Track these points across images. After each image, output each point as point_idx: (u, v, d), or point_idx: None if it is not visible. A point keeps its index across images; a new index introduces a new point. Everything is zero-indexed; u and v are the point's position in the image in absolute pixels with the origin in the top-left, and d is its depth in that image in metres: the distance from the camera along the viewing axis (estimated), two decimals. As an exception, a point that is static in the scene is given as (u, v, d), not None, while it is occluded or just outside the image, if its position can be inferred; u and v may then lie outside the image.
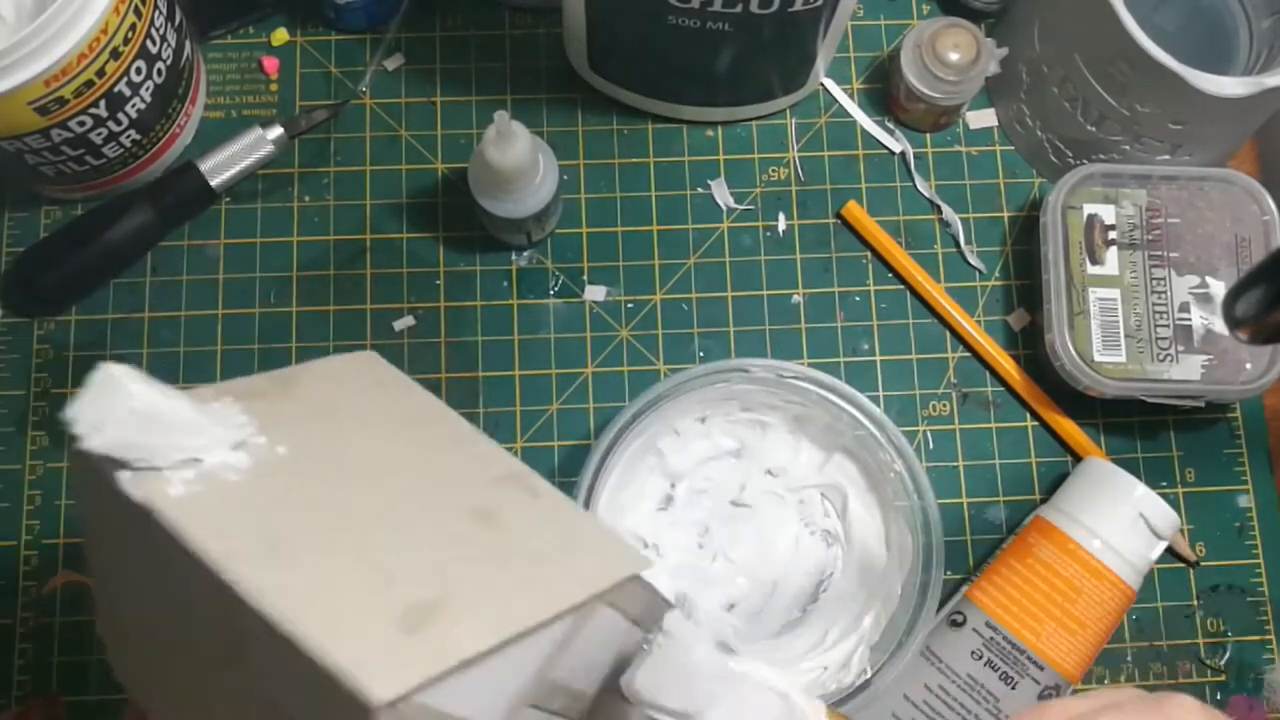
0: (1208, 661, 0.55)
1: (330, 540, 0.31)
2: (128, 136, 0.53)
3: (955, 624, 0.51)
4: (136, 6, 0.49)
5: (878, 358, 0.58)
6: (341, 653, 0.27)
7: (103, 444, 0.29)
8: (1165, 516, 0.52)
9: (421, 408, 0.40)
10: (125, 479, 0.30)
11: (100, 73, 0.49)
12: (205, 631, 0.31)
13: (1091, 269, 0.55)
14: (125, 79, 0.50)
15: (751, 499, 0.53)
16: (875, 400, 0.57)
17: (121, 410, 0.29)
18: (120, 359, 0.56)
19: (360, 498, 0.33)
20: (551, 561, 0.34)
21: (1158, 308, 0.55)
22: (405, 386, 0.40)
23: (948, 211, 0.59)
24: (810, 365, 0.57)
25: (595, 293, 0.58)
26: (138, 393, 0.29)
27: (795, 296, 0.58)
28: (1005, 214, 0.60)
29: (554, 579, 0.33)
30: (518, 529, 0.35)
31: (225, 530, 0.29)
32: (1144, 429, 0.58)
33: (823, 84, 0.61)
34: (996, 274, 0.59)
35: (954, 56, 0.56)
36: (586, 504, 0.48)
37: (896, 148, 0.60)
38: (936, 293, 0.58)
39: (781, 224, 0.59)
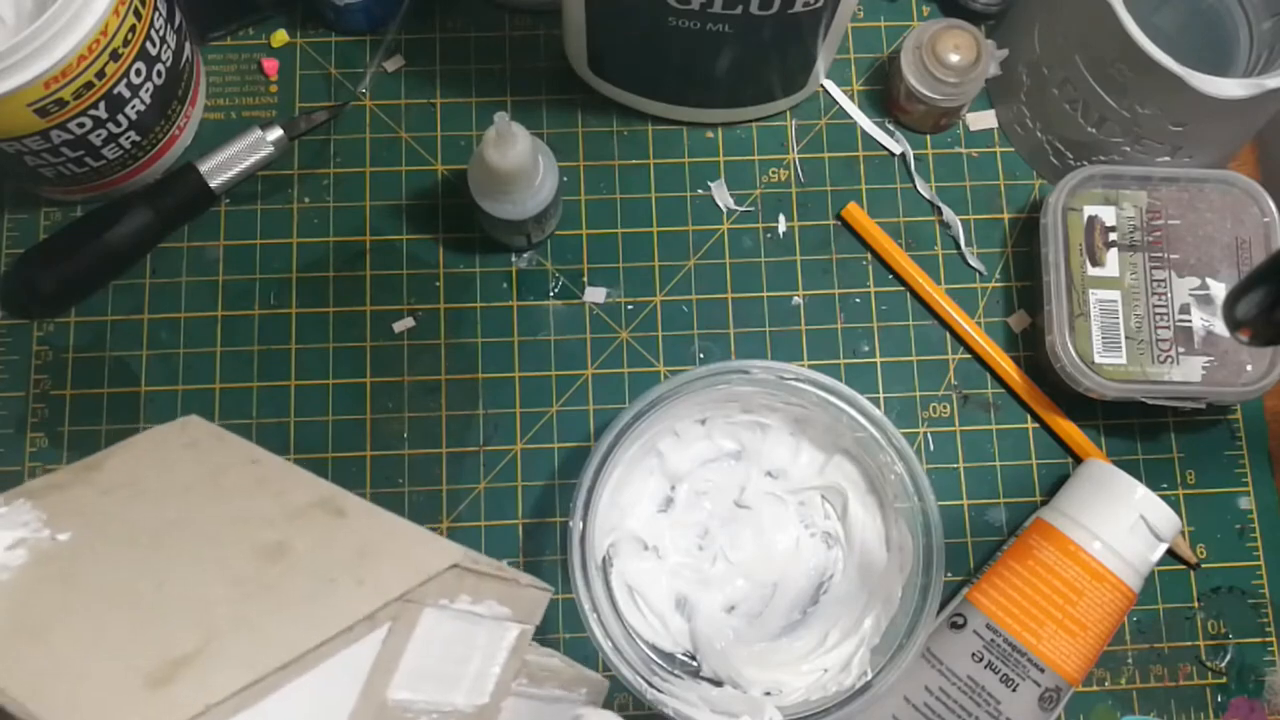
0: (1208, 663, 0.55)
1: (91, 614, 0.31)
2: (127, 138, 0.53)
3: (956, 626, 0.51)
4: (136, 8, 0.49)
5: (878, 359, 0.58)
6: None
7: None
8: (1166, 518, 0.51)
9: (229, 457, 0.40)
10: None
11: (100, 74, 0.49)
12: None
13: (1092, 270, 0.55)
14: (125, 81, 0.50)
15: (751, 501, 0.53)
16: (876, 402, 0.57)
17: None
18: (120, 361, 0.56)
19: (138, 564, 0.33)
20: (342, 580, 0.33)
21: (1158, 309, 0.55)
22: (218, 440, 0.41)
23: (948, 213, 0.59)
24: (810, 367, 0.57)
25: (595, 294, 0.58)
26: None
27: (795, 298, 0.58)
28: (1005, 216, 0.60)
29: (342, 598, 0.32)
30: (309, 556, 0.34)
31: None
32: (1144, 431, 0.58)
33: (823, 85, 0.61)
34: (997, 275, 0.59)
35: (954, 58, 0.56)
36: (586, 506, 0.48)
37: (897, 149, 0.60)
38: (937, 294, 0.58)
39: (782, 225, 0.59)
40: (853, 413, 0.50)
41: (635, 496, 0.53)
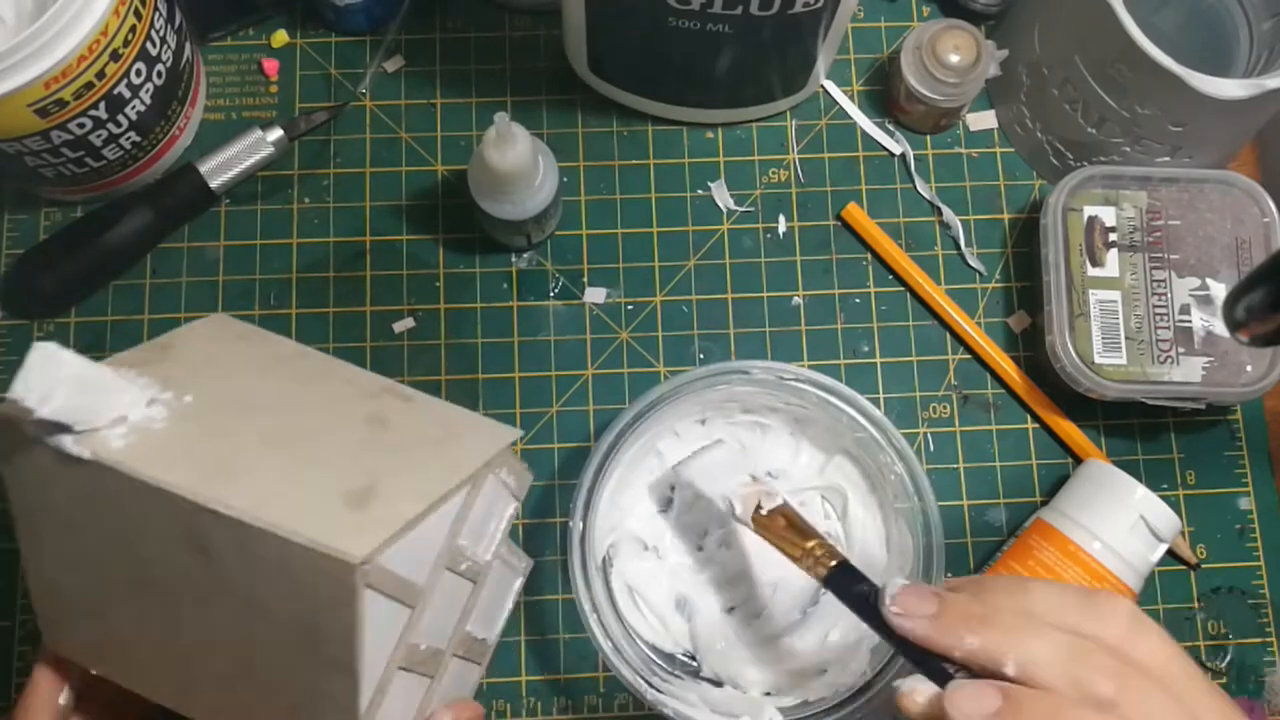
0: (1209, 664, 0.55)
1: (260, 458, 0.36)
2: (127, 138, 0.53)
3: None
4: (136, 8, 0.49)
5: (878, 360, 0.58)
6: (312, 530, 0.32)
7: (52, 411, 0.32)
8: (1166, 519, 0.51)
9: (285, 350, 0.45)
10: (69, 442, 0.34)
11: (100, 75, 0.49)
12: (167, 562, 0.35)
13: (1092, 271, 0.55)
14: (125, 81, 0.50)
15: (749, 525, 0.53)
16: (875, 402, 0.57)
17: (64, 379, 0.32)
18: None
19: (269, 424, 0.38)
20: (441, 445, 0.41)
21: (1158, 310, 0.55)
22: (263, 336, 0.45)
23: (948, 213, 0.59)
24: (811, 367, 0.57)
25: (595, 294, 0.58)
26: (71, 362, 0.33)
27: (795, 298, 0.58)
28: (1005, 216, 0.60)
29: (448, 457, 0.40)
30: (405, 426, 0.41)
31: (174, 466, 0.34)
32: (1144, 431, 0.58)
33: (823, 86, 0.61)
34: (997, 276, 0.59)
35: (954, 58, 0.56)
36: (586, 506, 0.48)
37: (897, 149, 0.60)
38: (937, 294, 0.58)
39: (782, 226, 0.59)
40: (853, 413, 0.50)
41: (635, 497, 0.53)
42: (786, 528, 0.46)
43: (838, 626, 0.51)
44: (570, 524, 0.47)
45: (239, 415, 0.38)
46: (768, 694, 0.50)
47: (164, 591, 0.36)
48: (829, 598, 0.52)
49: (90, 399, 0.34)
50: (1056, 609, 0.34)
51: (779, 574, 0.53)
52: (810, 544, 0.44)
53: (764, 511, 0.47)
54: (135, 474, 0.33)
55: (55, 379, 0.32)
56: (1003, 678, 0.33)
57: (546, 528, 0.55)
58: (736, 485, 0.48)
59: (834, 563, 0.43)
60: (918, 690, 0.34)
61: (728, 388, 0.50)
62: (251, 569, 0.34)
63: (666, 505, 0.53)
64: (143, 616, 0.37)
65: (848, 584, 0.42)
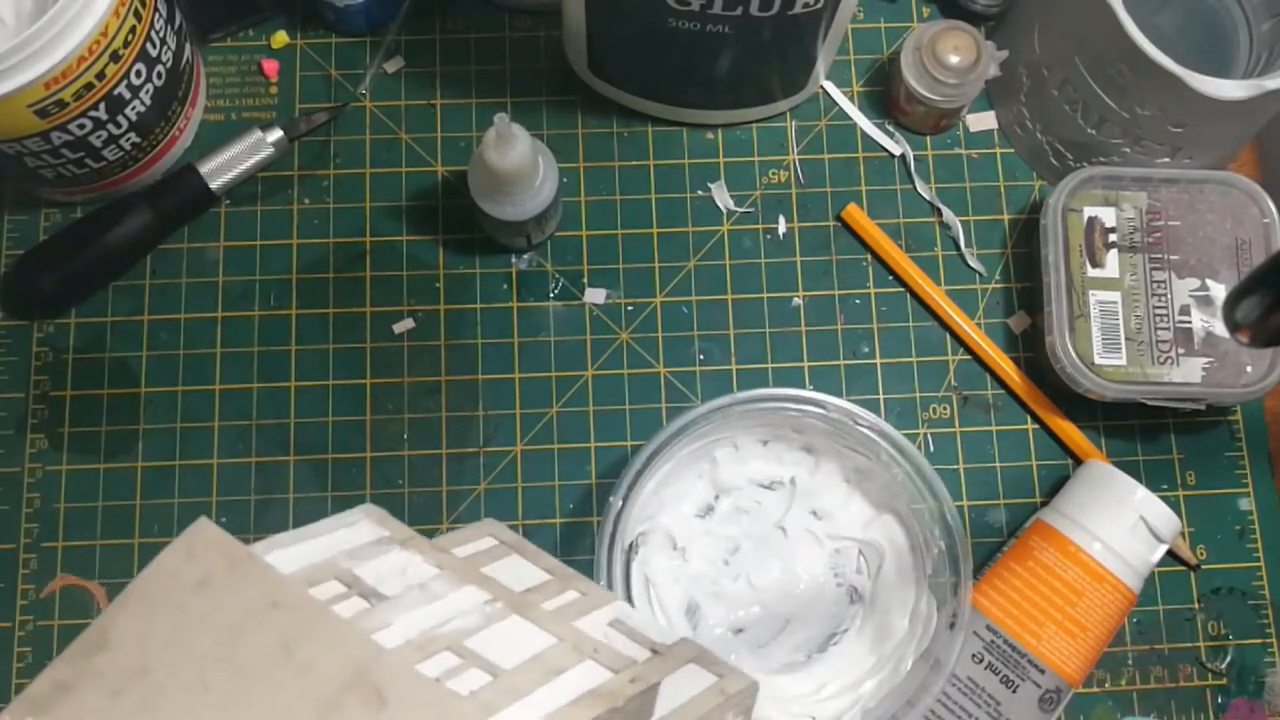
0: (1209, 664, 0.55)
1: None
2: (127, 139, 0.53)
3: (955, 627, 0.51)
4: (136, 9, 0.49)
5: (878, 360, 0.58)
6: None
7: None
8: (1166, 519, 0.51)
9: (246, 601, 0.35)
10: None
11: (100, 75, 0.49)
12: None
13: (1092, 272, 0.55)
14: (125, 82, 0.50)
15: (789, 533, 0.53)
16: (875, 404, 0.57)
17: None
18: (120, 362, 0.56)
19: None
20: None
21: (1158, 310, 0.55)
22: (230, 570, 0.35)
23: (948, 214, 0.59)
24: (811, 368, 0.57)
25: (595, 295, 0.58)
26: None
27: (795, 299, 0.58)
28: (1005, 217, 0.60)
29: None
30: None
31: None
32: (1144, 432, 0.58)
33: (823, 87, 0.61)
34: (997, 276, 0.59)
35: (954, 59, 0.56)
36: (630, 488, 0.47)
37: (896, 150, 0.60)
38: (937, 295, 0.58)
39: (782, 227, 0.59)
40: (917, 481, 0.49)
41: (678, 495, 0.53)
42: None
43: (837, 681, 0.51)
44: (610, 499, 0.47)
45: None
46: None
47: None
48: (837, 650, 0.52)
49: None
50: None
51: (795, 611, 0.52)
52: None
53: None
54: None
55: None
56: None
57: (546, 529, 0.55)
58: None
59: None
60: None
61: (800, 418, 0.50)
62: None
63: (707, 511, 0.53)
64: None
65: None
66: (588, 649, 0.34)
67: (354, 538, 0.37)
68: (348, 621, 0.32)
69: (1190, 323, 0.55)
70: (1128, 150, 0.56)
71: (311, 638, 0.32)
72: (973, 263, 0.59)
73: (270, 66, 0.60)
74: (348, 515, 0.38)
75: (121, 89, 0.50)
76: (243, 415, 0.56)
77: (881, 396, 0.57)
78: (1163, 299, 0.55)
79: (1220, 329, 0.54)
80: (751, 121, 0.60)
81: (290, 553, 0.36)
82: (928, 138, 0.61)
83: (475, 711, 0.30)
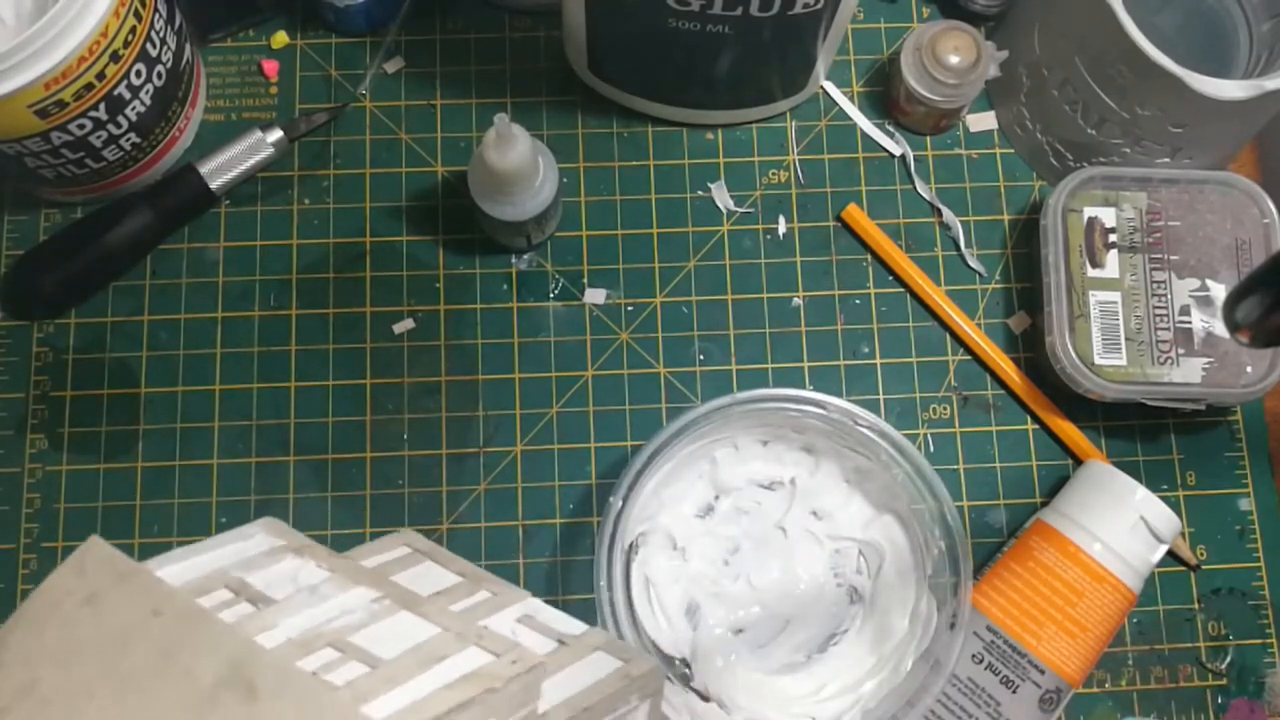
0: (1209, 665, 0.55)
1: None
2: (127, 139, 0.53)
3: (955, 628, 0.51)
4: (136, 9, 0.49)
5: (878, 361, 0.58)
6: None
7: None
8: (1166, 520, 0.51)
9: (130, 613, 0.35)
10: None
11: (100, 76, 0.49)
12: None
13: (1092, 272, 0.55)
14: (125, 82, 0.50)
15: (789, 533, 0.53)
16: (875, 404, 0.57)
17: None
18: (120, 362, 0.56)
19: None
20: None
21: (1158, 311, 0.55)
22: (117, 583, 0.36)
23: (948, 214, 0.59)
24: (811, 368, 0.57)
25: (595, 296, 0.58)
26: None
27: (795, 299, 0.58)
28: (1005, 217, 0.60)
29: None
30: None
31: None
32: (1144, 432, 0.58)
33: (823, 87, 0.61)
34: (997, 277, 0.59)
35: (954, 59, 0.56)
36: (630, 488, 0.47)
37: (896, 150, 0.60)
38: (937, 295, 0.58)
39: (782, 227, 0.59)
40: (917, 482, 0.49)
41: (678, 495, 0.53)
42: None
43: (837, 681, 0.51)
44: (611, 499, 0.47)
45: None
46: None
47: None
48: (837, 650, 0.52)
49: None
50: None
51: (795, 612, 0.52)
52: None
53: None
54: None
55: None
56: None
57: (546, 529, 0.55)
58: None
59: None
60: None
61: (800, 418, 0.50)
62: None
63: (707, 511, 0.53)
64: None
65: None
66: (471, 636, 0.35)
67: (248, 549, 0.38)
68: (227, 625, 0.33)
69: (1190, 323, 0.55)
70: (1128, 150, 0.56)
71: (191, 642, 0.33)
72: (973, 263, 0.59)
73: (270, 67, 0.60)
74: (244, 529, 0.39)
75: (121, 89, 0.50)
76: (243, 415, 0.56)
77: (881, 397, 0.57)
78: (1163, 299, 0.55)
79: (1220, 329, 0.54)
80: (751, 122, 0.60)
81: (181, 566, 0.36)
82: (928, 138, 0.61)
83: (348, 699, 0.31)
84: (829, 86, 0.61)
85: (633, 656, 0.38)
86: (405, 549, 0.42)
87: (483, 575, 0.40)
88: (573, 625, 0.39)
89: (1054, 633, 0.50)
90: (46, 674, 0.34)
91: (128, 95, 0.51)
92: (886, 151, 0.60)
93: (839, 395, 0.50)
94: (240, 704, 0.32)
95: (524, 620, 0.38)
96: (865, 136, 0.61)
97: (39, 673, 0.34)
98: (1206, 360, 0.54)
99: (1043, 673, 0.50)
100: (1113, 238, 0.55)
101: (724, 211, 0.59)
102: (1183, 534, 0.56)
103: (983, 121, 0.61)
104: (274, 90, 0.60)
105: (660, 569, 0.52)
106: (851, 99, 0.61)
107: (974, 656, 0.50)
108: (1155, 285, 0.55)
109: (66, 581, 0.36)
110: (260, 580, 0.36)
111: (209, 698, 0.32)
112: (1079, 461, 0.57)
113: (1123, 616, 0.52)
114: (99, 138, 0.52)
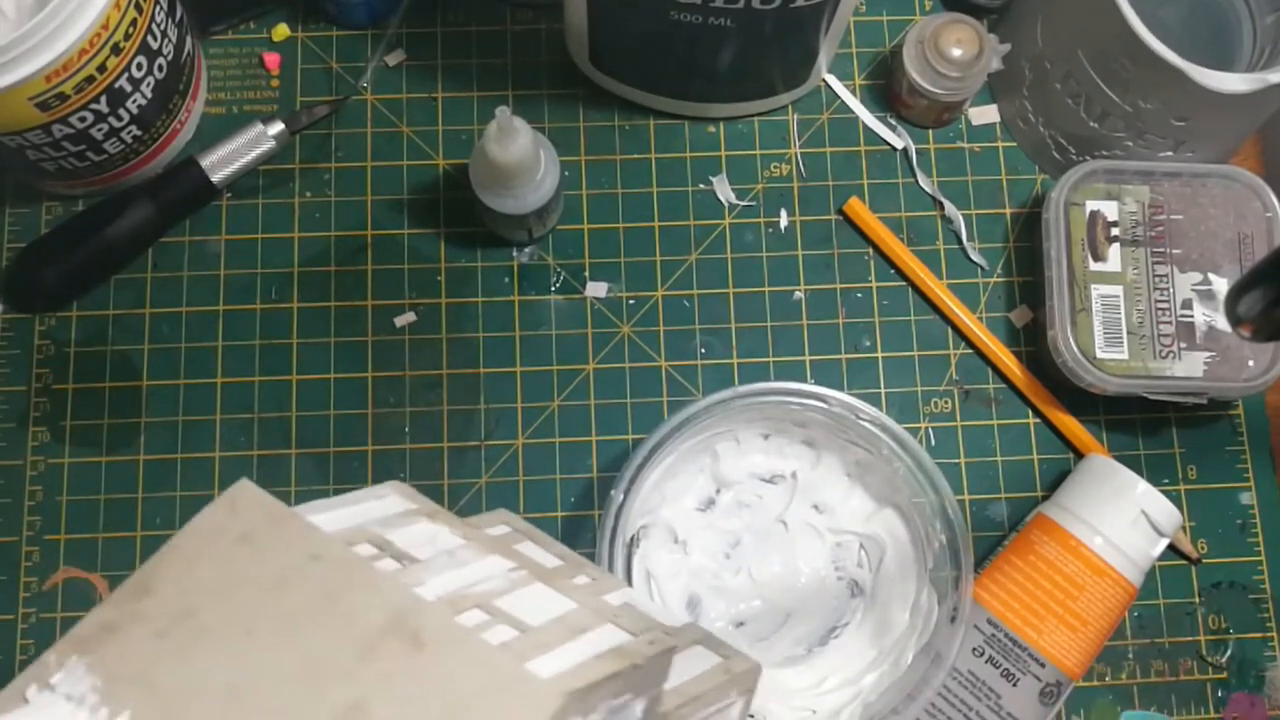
0: (1209, 658, 0.55)
1: None
2: (129, 132, 0.53)
3: (956, 621, 0.51)
4: (138, 2, 0.49)
5: (879, 354, 0.58)
6: None
7: None
8: (1167, 513, 0.52)
9: (288, 555, 0.36)
10: None
11: (101, 68, 0.48)
12: None
13: (1094, 265, 0.55)
14: (126, 74, 0.50)
15: (790, 527, 0.53)
16: (876, 398, 0.57)
17: None
18: (122, 355, 0.56)
19: None
20: None
21: (1160, 304, 0.55)
22: (272, 527, 0.37)
23: (950, 208, 0.59)
24: (812, 362, 0.57)
25: (596, 289, 0.58)
26: None
27: (797, 293, 0.58)
28: (1008, 210, 0.60)
29: None
30: (394, 709, 0.31)
31: None
32: (1146, 426, 0.58)
33: (825, 80, 0.61)
34: (999, 270, 0.59)
35: (957, 52, 0.56)
36: (632, 481, 0.47)
37: (899, 144, 0.60)
38: (939, 289, 0.58)
39: (783, 220, 0.59)
40: (918, 475, 0.49)
41: (679, 489, 0.53)
42: None
43: (838, 674, 0.51)
44: (612, 492, 0.47)
45: None
46: (751, 716, 0.49)
47: None
48: (838, 643, 0.52)
49: None
50: None
51: (796, 605, 0.52)
52: None
53: None
54: None
55: None
56: None
57: (548, 523, 0.55)
58: None
59: None
60: None
61: (801, 411, 0.50)
62: None
63: (708, 505, 0.53)
64: None
65: None
66: (608, 614, 0.35)
67: (384, 509, 0.39)
68: (388, 574, 0.33)
69: (1192, 317, 0.54)
70: (1130, 144, 0.56)
71: (352, 589, 0.34)
72: (975, 256, 0.59)
73: (271, 59, 0.60)
74: (377, 489, 0.39)
75: (123, 82, 0.50)
76: (244, 408, 0.56)
77: (883, 390, 0.57)
78: (1165, 293, 0.55)
79: (1222, 323, 0.54)
80: (753, 115, 0.60)
81: (324, 517, 0.37)
82: (930, 131, 0.61)
83: (508, 658, 0.31)
84: (831, 79, 0.61)
85: (732, 654, 0.38)
86: (505, 527, 0.42)
87: (580, 560, 0.41)
88: (672, 617, 0.39)
89: (1055, 626, 0.50)
90: (204, 605, 0.34)
91: (129, 88, 0.51)
92: (888, 145, 0.60)
93: (840, 389, 0.50)
94: (405, 652, 0.32)
95: (624, 609, 0.38)
96: (867, 129, 0.60)
97: (196, 603, 0.34)
98: (1208, 354, 0.54)
99: (1043, 666, 0.50)
100: (1115, 231, 0.55)
101: (725, 205, 0.59)
102: (1184, 528, 0.56)
103: (985, 115, 0.61)
104: (275, 83, 0.60)
105: (661, 562, 0.52)
106: (853, 92, 0.61)
107: (975, 650, 0.50)
108: (1157, 279, 0.55)
109: (219, 519, 0.36)
110: (401, 539, 0.36)
111: (373, 643, 0.32)
112: (1080, 455, 0.57)
113: (1123, 610, 0.52)
114: (100, 130, 0.52)
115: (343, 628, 0.33)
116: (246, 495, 0.36)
